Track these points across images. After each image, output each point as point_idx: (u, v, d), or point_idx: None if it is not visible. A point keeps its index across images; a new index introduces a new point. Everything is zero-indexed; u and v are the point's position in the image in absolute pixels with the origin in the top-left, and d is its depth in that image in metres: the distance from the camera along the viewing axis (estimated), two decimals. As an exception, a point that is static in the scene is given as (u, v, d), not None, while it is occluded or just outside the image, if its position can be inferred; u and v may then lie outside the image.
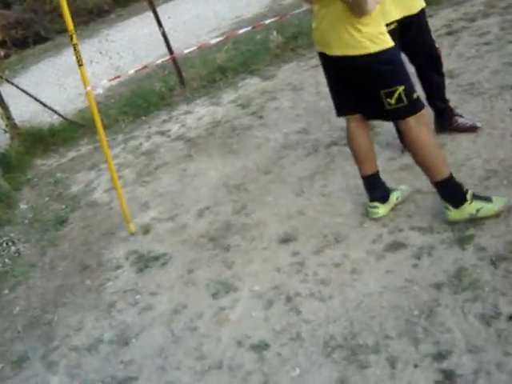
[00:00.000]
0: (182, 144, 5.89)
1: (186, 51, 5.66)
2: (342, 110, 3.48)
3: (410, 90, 3.09)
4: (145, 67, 5.37)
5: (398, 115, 3.17)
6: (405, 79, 3.10)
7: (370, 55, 3.01)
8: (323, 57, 3.28)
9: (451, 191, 3.23)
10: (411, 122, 3.14)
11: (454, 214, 3.23)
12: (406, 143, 3.29)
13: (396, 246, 3.26)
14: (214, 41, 5.85)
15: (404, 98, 3.07)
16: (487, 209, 3.18)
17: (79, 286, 4.01)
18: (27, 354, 3.50)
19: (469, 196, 3.19)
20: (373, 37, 2.99)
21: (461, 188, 3.22)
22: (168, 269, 3.82)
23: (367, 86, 3.15)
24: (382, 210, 3.53)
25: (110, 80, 4.97)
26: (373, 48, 3.00)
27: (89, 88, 3.97)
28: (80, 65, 3.87)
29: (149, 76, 8.97)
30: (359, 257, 3.29)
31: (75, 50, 3.85)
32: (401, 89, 3.05)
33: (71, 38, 3.83)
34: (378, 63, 3.03)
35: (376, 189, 3.55)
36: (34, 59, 16.08)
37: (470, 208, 3.18)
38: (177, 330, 3.23)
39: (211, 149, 5.49)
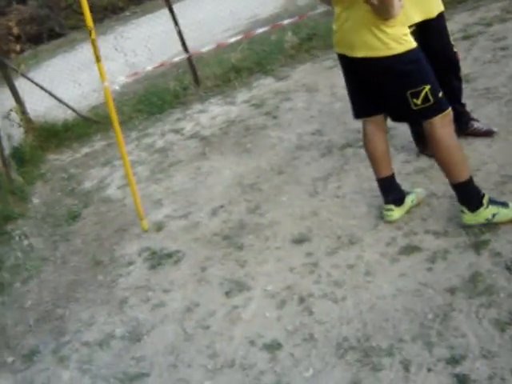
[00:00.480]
0: (195, 142, 5.90)
1: (204, 49, 5.65)
2: (360, 112, 3.47)
3: (435, 89, 3.08)
4: (162, 65, 5.37)
5: (424, 115, 3.13)
6: (430, 78, 3.09)
7: (395, 56, 3.00)
8: (344, 59, 3.27)
9: (469, 194, 3.21)
10: (437, 121, 3.11)
11: (469, 217, 3.22)
12: (430, 143, 3.26)
13: (410, 250, 3.25)
14: (232, 39, 5.84)
15: (430, 97, 3.05)
16: (503, 214, 3.17)
17: (91, 282, 4.01)
18: (38, 347, 3.51)
19: (485, 200, 3.17)
20: (398, 38, 2.98)
21: (478, 192, 3.21)
22: (181, 266, 3.83)
23: (392, 87, 3.13)
24: (396, 212, 3.52)
25: (127, 76, 4.97)
26: (398, 49, 2.99)
27: (106, 84, 3.97)
28: (98, 60, 3.88)
29: (163, 74, 8.98)
30: (373, 259, 3.28)
31: (94, 45, 3.86)
32: (427, 88, 3.03)
33: (90, 33, 3.84)
34: (403, 63, 3.02)
35: (391, 191, 3.54)
36: (48, 55, 16.15)
37: (486, 213, 3.17)
38: (189, 327, 3.23)
39: (225, 148, 5.50)
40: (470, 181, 3.19)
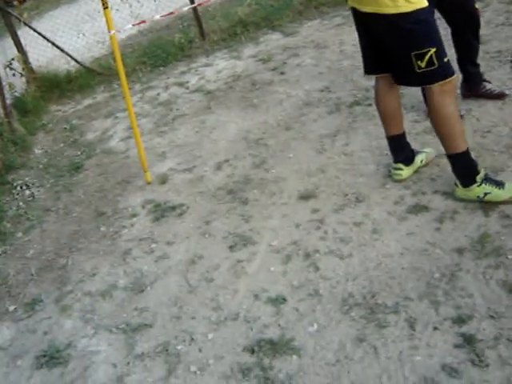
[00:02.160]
0: (200, 96, 5.82)
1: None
2: (370, 68, 3.39)
3: (441, 53, 2.96)
4: (171, 13, 5.25)
5: (427, 79, 3.03)
6: (437, 41, 2.97)
7: (402, 14, 2.87)
8: (355, 12, 3.17)
9: (463, 167, 3.15)
10: (438, 88, 3.01)
11: (461, 192, 3.17)
12: (429, 110, 3.19)
13: (418, 209, 3.22)
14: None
15: (435, 61, 2.94)
16: (495, 195, 3.10)
17: (94, 232, 3.98)
18: (40, 296, 3.48)
19: (479, 178, 3.10)
20: None
21: (474, 167, 3.14)
22: (185, 219, 3.79)
23: (397, 46, 3.02)
24: (405, 172, 3.47)
25: (134, 25, 4.86)
26: (406, 7, 2.86)
27: (113, 32, 3.88)
28: (105, 7, 3.78)
29: (168, 27, 8.85)
30: (380, 217, 3.25)
31: (100, -9, 3.76)
32: (433, 50, 2.92)
33: (97, -21, 3.74)
34: (410, 23, 2.90)
35: (401, 150, 3.49)
36: (51, 6, 15.84)
37: (478, 190, 3.11)
38: (193, 280, 3.22)
39: (231, 102, 5.42)
40: (466, 154, 3.12)
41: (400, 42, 2.99)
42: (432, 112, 3.13)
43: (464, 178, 3.14)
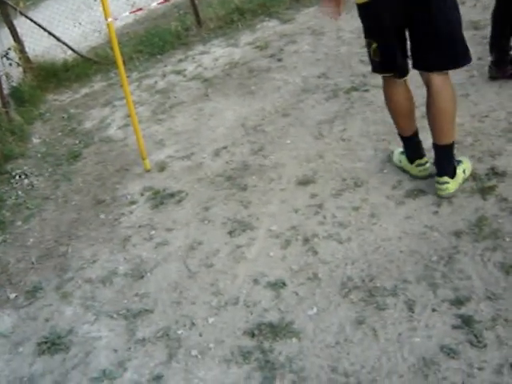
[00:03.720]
0: (198, 84, 5.81)
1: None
2: (405, 68, 3.08)
3: None
4: (167, 0, 5.24)
5: (464, 60, 2.93)
6: None
7: None
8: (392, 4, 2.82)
9: (452, 158, 3.10)
10: (449, 73, 2.96)
11: (453, 185, 3.11)
12: (440, 96, 2.94)
13: (416, 193, 3.24)
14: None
15: None
16: (468, 168, 3.16)
17: (93, 220, 4.00)
18: (41, 284, 3.50)
19: (455, 160, 3.12)
20: None
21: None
22: (184, 206, 3.81)
23: (452, 22, 2.79)
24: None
25: (131, 12, 4.85)
26: None
27: (110, 20, 3.87)
28: (102, -6, 3.77)
29: (164, 15, 8.82)
30: (379, 202, 3.27)
31: (97, -22, 3.75)
32: None
33: (93, -34, 3.73)
34: None
35: (412, 150, 3.32)
36: (46, -5, 15.81)
37: (460, 172, 3.14)
38: (192, 265, 3.23)
39: (228, 89, 5.42)
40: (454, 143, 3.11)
41: (453, 17, 2.79)
42: (449, 96, 2.95)
43: (451, 167, 3.10)
